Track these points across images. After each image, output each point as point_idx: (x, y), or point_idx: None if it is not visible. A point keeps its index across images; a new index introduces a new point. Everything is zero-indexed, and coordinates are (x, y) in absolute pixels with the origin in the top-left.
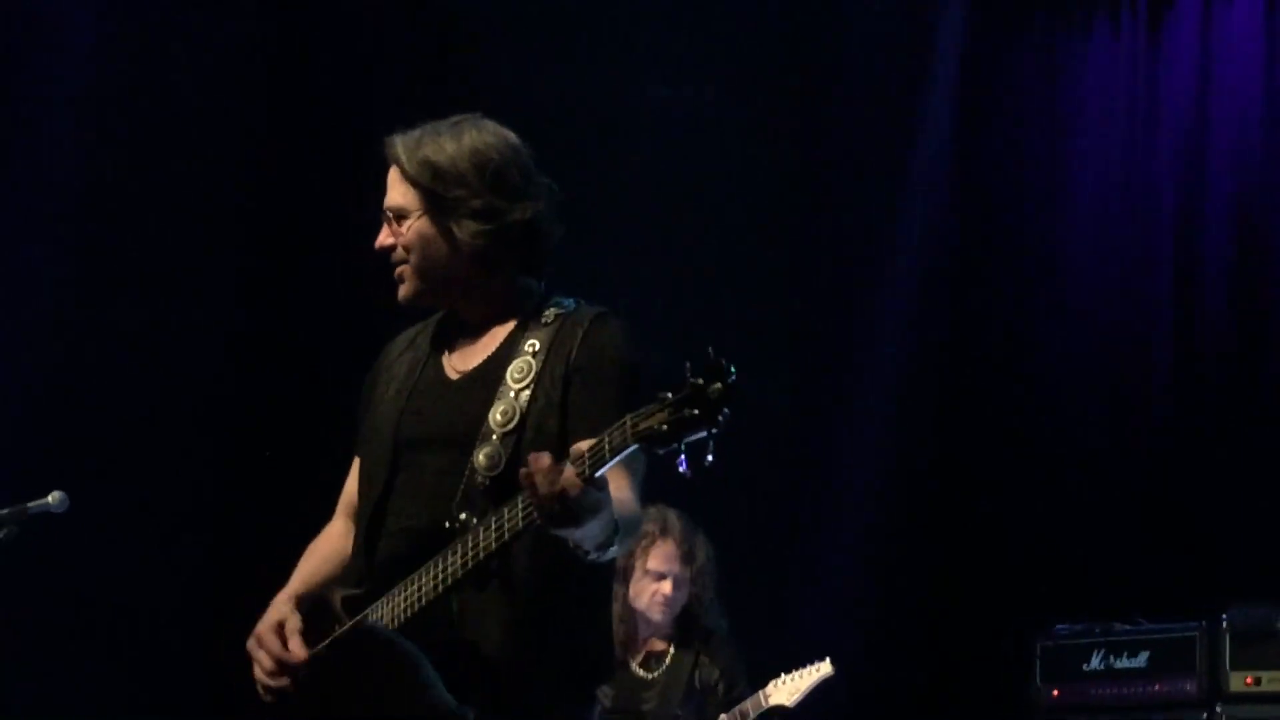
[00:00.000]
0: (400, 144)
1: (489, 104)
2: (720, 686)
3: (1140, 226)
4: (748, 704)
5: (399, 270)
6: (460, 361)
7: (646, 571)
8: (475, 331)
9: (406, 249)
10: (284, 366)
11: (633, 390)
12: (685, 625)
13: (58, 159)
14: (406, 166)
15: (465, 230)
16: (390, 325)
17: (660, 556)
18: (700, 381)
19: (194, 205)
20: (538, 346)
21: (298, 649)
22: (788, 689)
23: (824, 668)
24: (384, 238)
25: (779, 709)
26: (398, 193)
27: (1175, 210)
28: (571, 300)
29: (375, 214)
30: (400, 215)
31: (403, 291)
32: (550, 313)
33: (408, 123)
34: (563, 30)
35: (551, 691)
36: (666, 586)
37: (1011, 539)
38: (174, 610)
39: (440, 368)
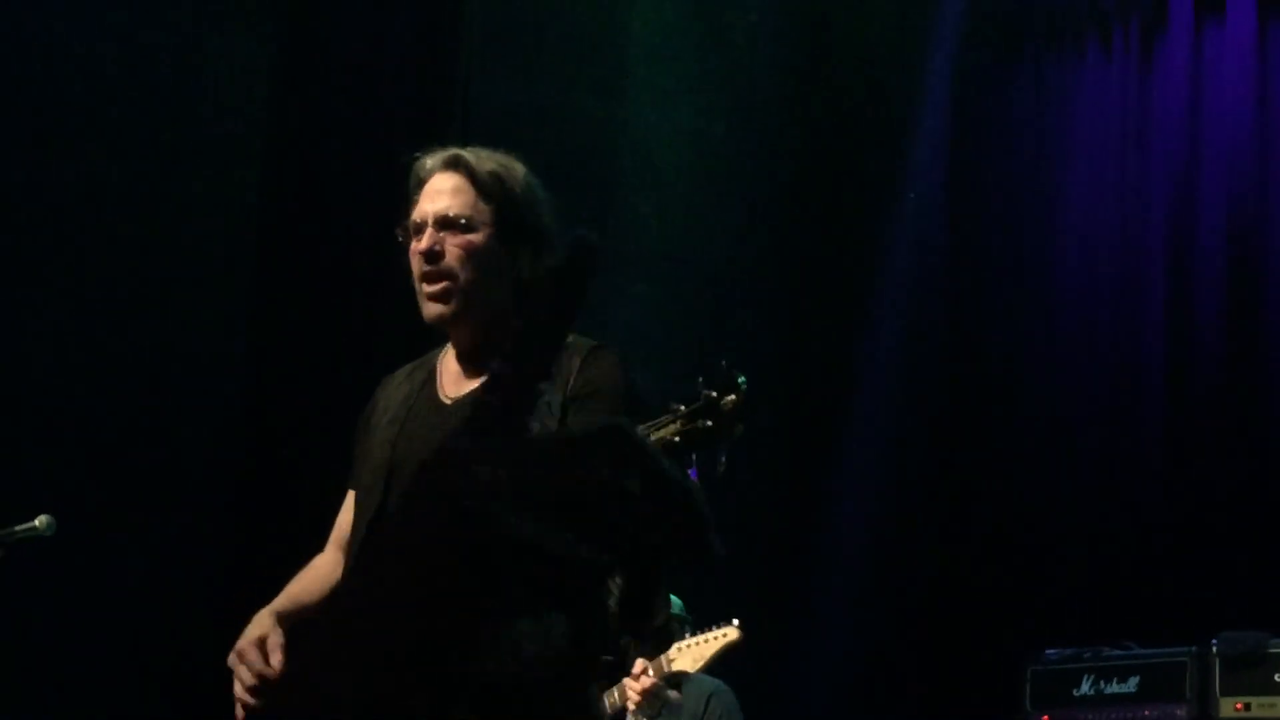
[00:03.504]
0: (468, 155)
1: (485, 122)
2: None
3: (1133, 248)
4: (650, 665)
5: (441, 286)
6: (454, 388)
7: None
8: (472, 360)
9: (461, 264)
10: (290, 386)
11: (629, 418)
12: None
13: (63, 167)
14: (482, 179)
15: (525, 257)
16: (399, 340)
17: None
18: (714, 394)
19: (200, 216)
20: None
21: (280, 666)
22: (692, 655)
23: (730, 633)
24: (436, 240)
25: (681, 674)
26: (462, 202)
27: (1167, 231)
28: (571, 334)
29: (383, 228)
30: (464, 227)
31: (437, 310)
32: None
33: (403, 138)
34: (557, 53)
35: (546, 698)
36: None
37: (1002, 565)
38: (174, 630)
39: (434, 395)
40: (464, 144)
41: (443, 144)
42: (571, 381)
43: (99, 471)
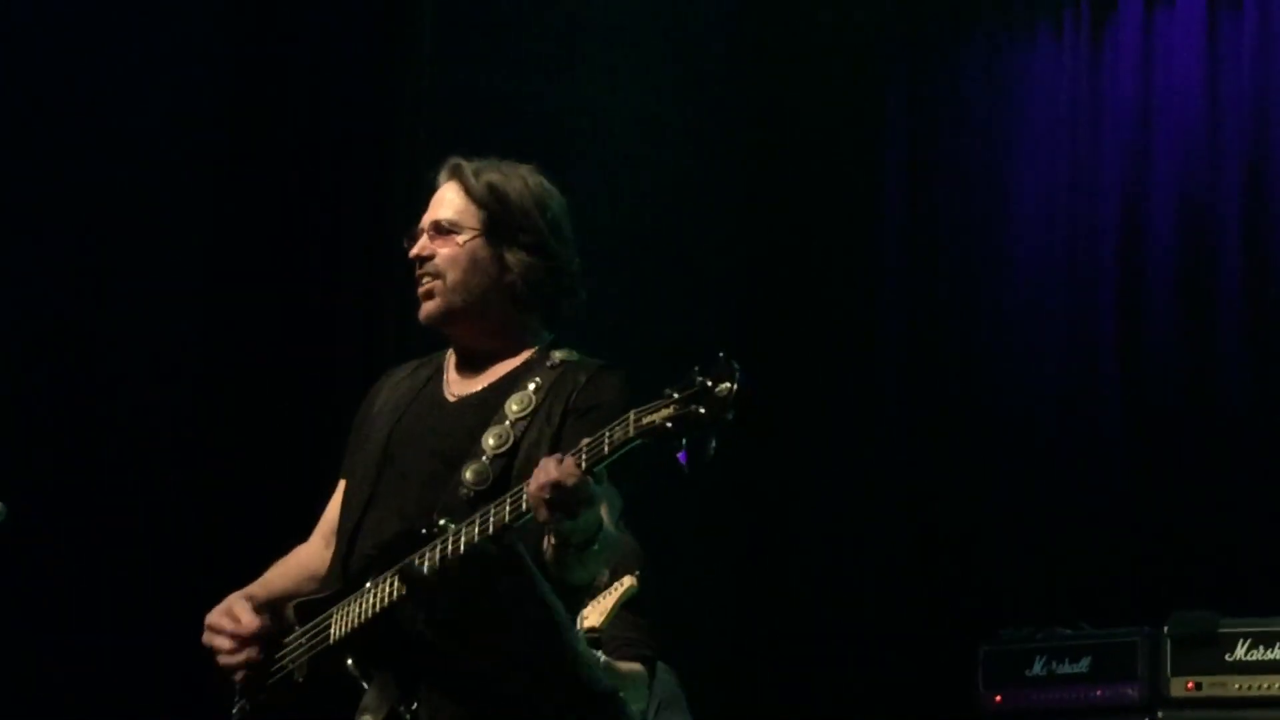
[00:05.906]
0: (465, 164)
1: (439, 108)
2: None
3: (1085, 232)
4: None
5: (429, 285)
6: (460, 387)
7: None
8: (480, 363)
9: (448, 264)
10: (249, 371)
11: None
12: None
13: (19, 159)
14: (472, 184)
15: (517, 261)
16: (359, 327)
17: None
18: (709, 381)
19: (156, 201)
20: (540, 384)
21: (248, 618)
22: (598, 610)
23: (627, 581)
24: (424, 247)
25: (592, 630)
26: (453, 208)
27: (1119, 215)
28: (577, 352)
29: (338, 215)
30: (450, 230)
31: (429, 308)
32: (557, 357)
33: (358, 124)
34: (510, 37)
35: (511, 700)
36: None
37: (955, 545)
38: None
39: (439, 391)
40: (420, 131)
41: (396, 130)
42: (574, 395)
43: (53, 457)
